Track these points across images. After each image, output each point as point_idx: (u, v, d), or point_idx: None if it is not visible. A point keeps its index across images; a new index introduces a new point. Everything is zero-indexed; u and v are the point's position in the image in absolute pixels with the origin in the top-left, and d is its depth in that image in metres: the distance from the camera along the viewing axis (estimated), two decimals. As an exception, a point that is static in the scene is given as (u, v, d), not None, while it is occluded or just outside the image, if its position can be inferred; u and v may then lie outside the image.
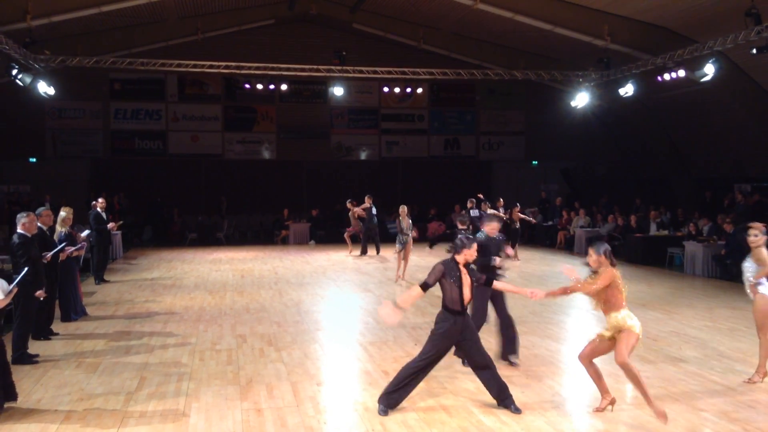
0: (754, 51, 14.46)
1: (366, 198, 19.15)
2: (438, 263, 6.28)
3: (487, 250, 7.84)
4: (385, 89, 25.05)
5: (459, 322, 6.21)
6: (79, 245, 10.62)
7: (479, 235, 8.34)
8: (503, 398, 6.35)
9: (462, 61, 23.18)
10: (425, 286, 6.17)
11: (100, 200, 14.75)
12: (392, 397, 6.29)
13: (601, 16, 17.38)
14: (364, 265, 17.31)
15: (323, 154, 26.38)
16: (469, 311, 6.56)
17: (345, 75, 20.53)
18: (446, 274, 6.19)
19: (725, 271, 15.10)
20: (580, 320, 10.87)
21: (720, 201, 19.77)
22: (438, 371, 7.63)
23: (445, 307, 6.26)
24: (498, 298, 7.96)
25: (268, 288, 13.78)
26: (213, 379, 7.36)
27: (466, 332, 6.28)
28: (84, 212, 16.69)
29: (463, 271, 6.25)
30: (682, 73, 17.01)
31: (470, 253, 6.24)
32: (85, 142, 24.70)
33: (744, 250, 7.41)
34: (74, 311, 10.45)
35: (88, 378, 7.42)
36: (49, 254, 8.92)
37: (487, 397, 6.57)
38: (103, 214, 14.43)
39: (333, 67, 20.15)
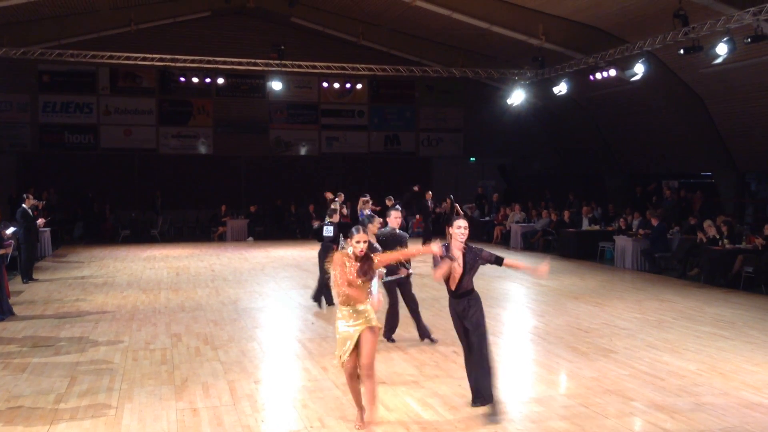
0: (682, 51, 14.96)
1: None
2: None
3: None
4: (325, 84, 24.93)
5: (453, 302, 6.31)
6: (6, 242, 10.24)
7: (384, 229, 8.71)
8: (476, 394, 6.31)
9: (401, 58, 23.28)
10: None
11: (28, 196, 14.34)
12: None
13: (535, 16, 17.71)
14: (303, 262, 17.21)
15: (262, 149, 26.09)
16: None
17: (283, 69, 20.33)
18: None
19: (653, 264, 15.62)
20: (516, 313, 11.08)
21: (649, 196, 20.45)
22: (376, 363, 7.65)
23: None
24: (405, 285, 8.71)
25: (204, 286, 13.56)
26: (147, 379, 7.20)
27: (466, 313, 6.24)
28: (11, 208, 16.10)
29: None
30: (613, 72, 17.49)
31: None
32: (11, 135, 23.77)
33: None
34: (0, 311, 10.07)
35: (15, 379, 7.16)
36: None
37: (425, 391, 6.64)
38: (30, 211, 13.96)
39: (271, 62, 19.93)
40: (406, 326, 9.04)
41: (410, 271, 8.81)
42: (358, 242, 5.58)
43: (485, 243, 22.17)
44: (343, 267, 5.54)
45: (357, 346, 5.59)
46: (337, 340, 5.71)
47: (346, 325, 5.61)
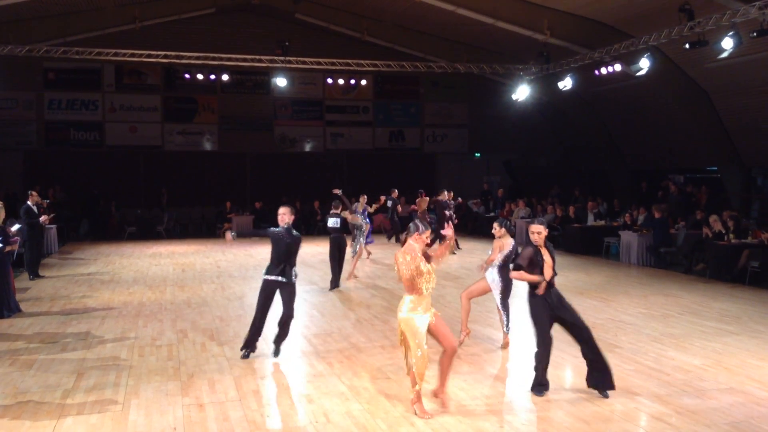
0: (687, 46, 14.92)
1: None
2: (527, 246, 6.78)
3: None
4: (329, 81, 24.94)
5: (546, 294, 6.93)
6: (11, 239, 10.29)
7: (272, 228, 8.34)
8: (593, 382, 6.57)
9: (406, 54, 23.23)
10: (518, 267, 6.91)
11: (32, 193, 14.36)
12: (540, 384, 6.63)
13: (540, 11, 17.66)
14: (308, 258, 17.23)
15: (267, 146, 26.09)
16: None
17: (288, 66, 20.32)
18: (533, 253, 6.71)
19: (659, 259, 15.60)
20: (521, 309, 11.05)
21: (655, 192, 20.40)
22: (381, 359, 7.68)
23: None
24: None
25: (209, 282, 13.60)
26: (153, 375, 7.24)
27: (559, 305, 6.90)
28: (19, 206, 16.15)
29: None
30: (618, 67, 17.43)
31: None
32: (17, 133, 23.82)
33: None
34: (7, 308, 10.12)
35: (22, 375, 7.20)
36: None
37: (431, 387, 6.65)
38: (35, 208, 14.01)
39: (276, 58, 19.92)
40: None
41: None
42: (425, 235, 6.07)
43: (491, 238, 22.09)
44: (415, 260, 5.92)
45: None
46: (410, 329, 5.90)
47: (420, 316, 5.94)
